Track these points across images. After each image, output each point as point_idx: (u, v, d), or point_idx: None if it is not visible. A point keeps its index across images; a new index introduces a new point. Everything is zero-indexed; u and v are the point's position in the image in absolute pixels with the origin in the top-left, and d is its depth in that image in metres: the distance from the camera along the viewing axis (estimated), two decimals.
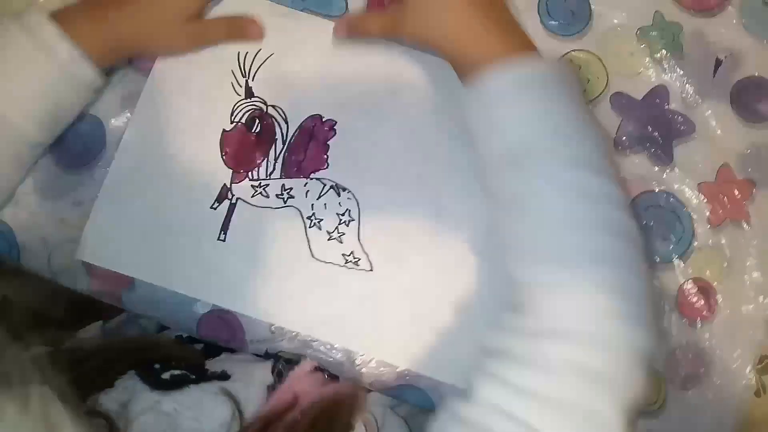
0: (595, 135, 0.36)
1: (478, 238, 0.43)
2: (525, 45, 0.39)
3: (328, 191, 0.44)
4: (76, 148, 0.44)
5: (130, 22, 0.41)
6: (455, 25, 0.38)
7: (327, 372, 0.43)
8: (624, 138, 0.45)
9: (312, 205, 0.44)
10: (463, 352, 0.42)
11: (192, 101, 0.44)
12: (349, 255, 0.43)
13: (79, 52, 0.38)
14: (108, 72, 0.43)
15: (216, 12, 0.45)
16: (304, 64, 0.45)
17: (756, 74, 0.46)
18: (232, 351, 0.44)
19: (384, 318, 0.43)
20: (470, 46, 0.38)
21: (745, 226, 0.45)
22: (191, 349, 0.44)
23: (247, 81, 0.45)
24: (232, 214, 0.43)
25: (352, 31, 0.44)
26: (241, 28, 0.44)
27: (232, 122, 0.45)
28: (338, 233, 0.44)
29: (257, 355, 0.43)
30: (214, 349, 0.43)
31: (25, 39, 0.38)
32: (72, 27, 0.39)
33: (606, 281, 0.32)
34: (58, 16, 0.39)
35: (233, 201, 0.44)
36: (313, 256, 0.43)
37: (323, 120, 0.45)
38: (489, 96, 0.36)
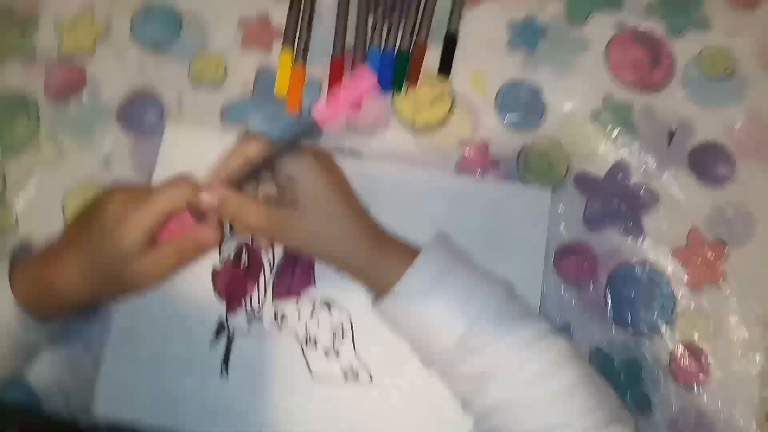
0: (503, 284, 0.38)
1: None
2: (405, 244, 0.40)
3: (319, 309, 0.46)
4: None
5: (70, 282, 0.37)
6: (356, 250, 0.38)
7: None
8: (593, 216, 0.48)
9: (306, 324, 0.46)
10: None
11: None
12: (347, 370, 0.45)
13: (24, 318, 0.37)
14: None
15: (198, 152, 0.49)
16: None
17: (708, 139, 0.49)
18: None
19: (390, 427, 0.44)
20: (371, 264, 0.38)
21: (723, 286, 0.47)
22: None
23: None
24: (230, 348, 0.45)
25: (226, 210, 0.37)
26: (192, 247, 0.37)
27: (220, 260, 0.47)
28: (334, 350, 0.45)
29: None
30: None
31: None
32: (21, 291, 0.37)
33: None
34: (17, 270, 0.37)
35: (231, 335, 0.46)
36: (313, 377, 0.45)
37: None
38: (409, 301, 0.37)
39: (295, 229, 0.37)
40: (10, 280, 0.37)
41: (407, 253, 0.38)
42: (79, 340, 0.46)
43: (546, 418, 0.35)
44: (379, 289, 0.39)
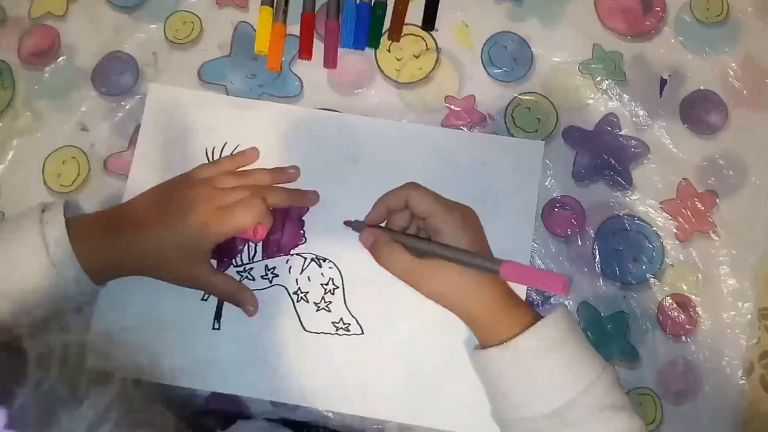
0: (606, 366, 0.39)
1: None
2: (532, 311, 0.41)
3: (309, 264, 0.46)
4: None
5: (139, 253, 0.42)
6: (481, 305, 0.40)
7: None
8: (582, 169, 0.47)
9: (296, 280, 0.46)
10: (460, 398, 0.44)
11: None
12: (338, 322, 0.45)
13: (83, 276, 0.40)
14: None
15: (181, 113, 0.48)
16: (269, 148, 0.47)
17: (701, 87, 0.48)
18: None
19: (381, 378, 0.45)
20: (495, 321, 0.40)
21: (713, 236, 0.46)
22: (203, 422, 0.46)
23: None
24: (223, 302, 0.45)
25: (375, 252, 0.42)
26: (240, 298, 0.45)
27: None
28: (325, 302, 0.46)
29: (270, 420, 0.45)
30: (231, 415, 0.45)
31: (39, 250, 0.39)
32: (83, 248, 0.40)
33: None
34: (75, 230, 0.40)
35: None
36: (304, 329, 0.45)
37: None
38: (525, 356, 0.38)
39: (433, 281, 0.41)
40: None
41: (530, 315, 0.40)
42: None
43: None
44: (489, 340, 0.40)
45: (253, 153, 0.47)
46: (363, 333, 0.45)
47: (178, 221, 0.42)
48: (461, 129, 0.48)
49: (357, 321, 0.45)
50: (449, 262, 0.39)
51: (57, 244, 0.40)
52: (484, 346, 0.41)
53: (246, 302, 0.45)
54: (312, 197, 0.46)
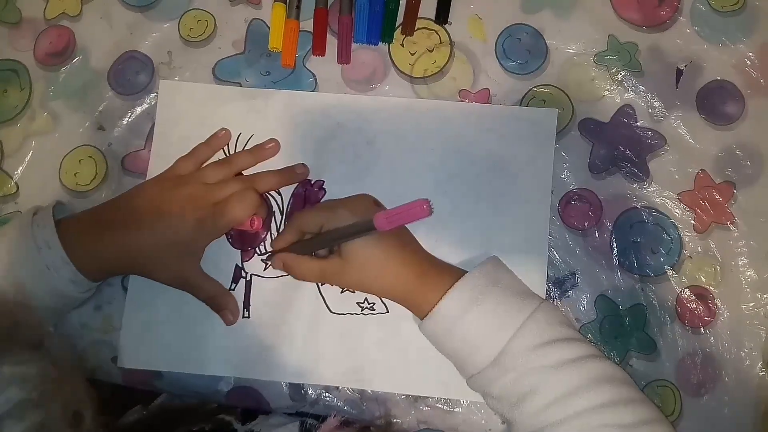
0: (541, 304, 0.40)
1: (475, 259, 0.45)
2: (451, 269, 0.42)
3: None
4: None
5: (133, 251, 0.42)
6: (398, 282, 0.41)
7: (355, 425, 0.44)
8: (598, 161, 0.47)
9: None
10: None
11: None
12: (363, 302, 0.46)
13: (78, 276, 0.41)
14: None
15: (194, 108, 0.48)
16: (284, 137, 0.48)
17: (718, 78, 0.48)
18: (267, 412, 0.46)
19: (409, 354, 0.45)
20: (416, 294, 0.41)
21: (731, 227, 0.46)
22: (223, 417, 0.46)
23: None
24: (250, 290, 0.46)
25: (288, 270, 0.44)
26: (222, 303, 0.45)
27: None
28: None
29: (290, 414, 0.45)
30: (251, 412, 0.46)
31: (33, 253, 0.40)
32: (75, 248, 0.40)
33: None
34: (66, 231, 0.41)
35: (248, 278, 0.46)
36: (330, 310, 0.46)
37: (312, 183, 0.47)
38: (450, 318, 0.39)
39: (342, 277, 0.42)
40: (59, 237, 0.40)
41: (451, 277, 0.41)
42: (90, 301, 0.46)
43: None
44: (420, 313, 0.41)
45: (274, 146, 0.47)
46: (388, 311, 0.46)
47: (173, 221, 0.42)
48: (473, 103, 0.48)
49: (381, 300, 0.46)
50: (350, 256, 0.40)
51: (48, 246, 0.40)
52: (421, 319, 0.41)
53: (228, 309, 0.45)
54: (301, 171, 0.47)
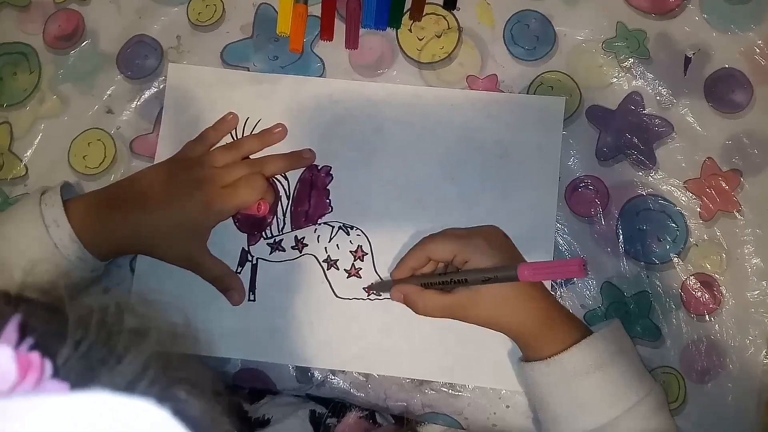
0: (654, 387, 0.40)
1: None
2: (578, 321, 0.43)
3: (337, 233, 0.47)
4: None
5: (141, 231, 0.42)
6: (527, 322, 0.41)
7: (372, 419, 0.45)
8: (605, 149, 0.47)
9: (325, 248, 0.47)
10: (495, 354, 0.45)
11: None
12: (369, 288, 0.46)
13: (86, 255, 0.41)
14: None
15: (202, 91, 0.49)
16: (291, 122, 0.48)
17: (726, 66, 0.48)
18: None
19: (415, 339, 0.45)
20: (541, 337, 0.40)
21: (737, 215, 0.46)
22: (231, 398, 0.47)
23: None
24: (256, 274, 0.46)
25: (409, 304, 0.43)
26: (229, 283, 0.45)
27: None
28: (355, 269, 0.46)
29: (298, 396, 0.46)
30: (258, 392, 0.46)
31: (41, 231, 0.40)
32: (83, 227, 0.41)
33: None
34: (74, 210, 0.41)
35: (254, 262, 0.47)
36: (336, 295, 0.46)
37: (319, 168, 0.48)
38: (570, 373, 0.39)
39: (470, 312, 0.41)
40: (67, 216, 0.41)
41: (578, 331, 0.40)
42: (98, 283, 0.47)
43: None
44: (534, 354, 0.40)
45: (282, 131, 0.47)
46: None
47: (182, 202, 0.42)
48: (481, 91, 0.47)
49: (388, 284, 0.46)
50: (482, 290, 0.39)
51: (57, 224, 0.41)
52: (528, 359, 0.41)
53: (234, 289, 0.45)
54: (308, 156, 0.47)
